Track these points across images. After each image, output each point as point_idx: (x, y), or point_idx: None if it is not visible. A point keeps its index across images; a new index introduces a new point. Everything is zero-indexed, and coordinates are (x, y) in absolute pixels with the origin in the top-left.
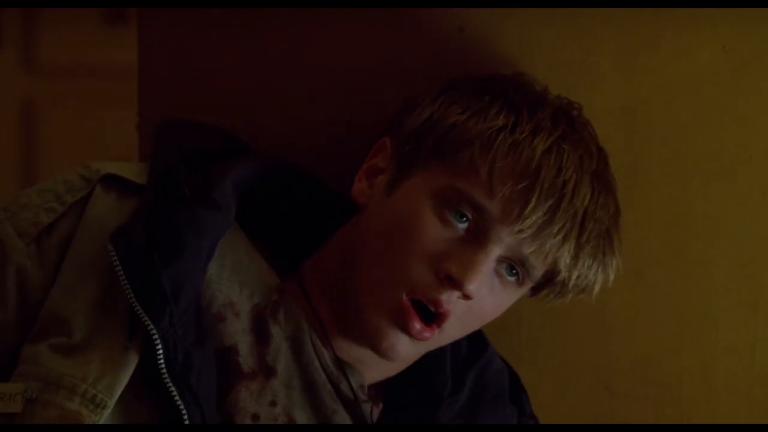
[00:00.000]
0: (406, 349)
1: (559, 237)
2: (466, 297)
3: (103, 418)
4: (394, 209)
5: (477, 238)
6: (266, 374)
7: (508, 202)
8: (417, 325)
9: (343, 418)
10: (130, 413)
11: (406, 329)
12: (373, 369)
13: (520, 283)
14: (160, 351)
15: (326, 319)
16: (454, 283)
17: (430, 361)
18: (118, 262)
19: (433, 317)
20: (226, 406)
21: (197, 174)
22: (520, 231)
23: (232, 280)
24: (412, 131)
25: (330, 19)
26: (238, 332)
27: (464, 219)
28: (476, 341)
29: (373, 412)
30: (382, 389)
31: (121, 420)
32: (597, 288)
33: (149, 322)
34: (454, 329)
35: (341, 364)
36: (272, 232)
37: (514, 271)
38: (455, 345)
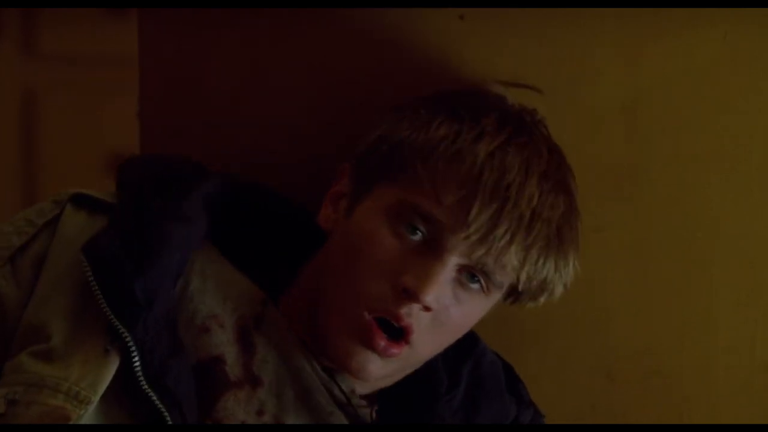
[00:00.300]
0: (376, 368)
1: (505, 239)
2: (426, 308)
3: (88, 413)
4: (352, 231)
5: (431, 248)
6: (252, 384)
7: (455, 210)
8: (382, 342)
9: (340, 419)
10: (113, 414)
11: (371, 347)
12: (361, 384)
13: (485, 290)
14: (136, 357)
15: (308, 338)
16: (411, 295)
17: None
18: (90, 273)
19: (400, 333)
20: (215, 414)
21: (167, 192)
22: (467, 237)
23: (215, 294)
24: (365, 152)
25: (330, 18)
26: (224, 342)
27: (417, 232)
28: (466, 337)
29: (372, 415)
30: (376, 393)
31: (105, 419)
32: (558, 289)
33: (124, 330)
34: (425, 344)
35: (330, 371)
36: (248, 255)
37: (476, 279)
38: None
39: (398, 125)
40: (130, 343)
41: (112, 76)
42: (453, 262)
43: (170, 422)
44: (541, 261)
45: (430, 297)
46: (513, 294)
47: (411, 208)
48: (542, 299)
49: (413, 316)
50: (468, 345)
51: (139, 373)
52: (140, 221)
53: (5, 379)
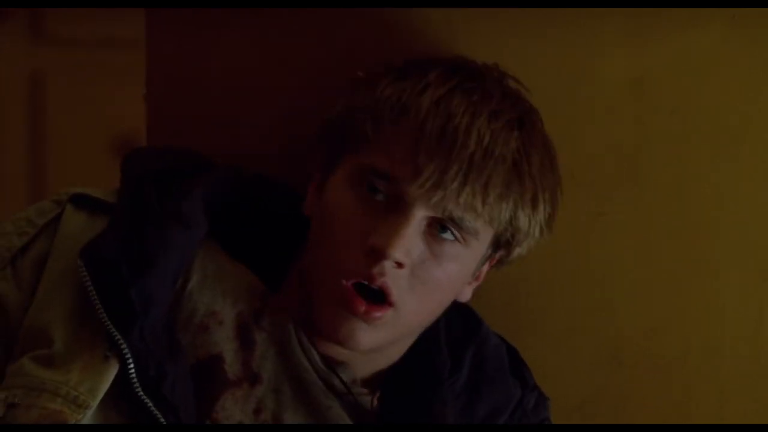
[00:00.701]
0: (365, 335)
1: (458, 181)
2: (399, 264)
3: (86, 418)
4: (323, 208)
5: (394, 205)
6: (251, 381)
7: (407, 163)
8: (362, 307)
9: (338, 413)
10: (111, 420)
11: (353, 312)
12: (361, 366)
13: (460, 240)
14: (131, 364)
15: (306, 328)
16: (378, 253)
17: (425, 344)
18: (87, 278)
19: (381, 296)
20: (214, 414)
21: (166, 190)
22: (422, 185)
23: (214, 290)
24: (325, 132)
25: (335, 15)
26: (223, 340)
27: (379, 192)
28: (469, 320)
29: (373, 402)
30: (379, 377)
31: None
32: (534, 230)
33: (119, 336)
34: (409, 304)
35: (330, 362)
36: (249, 250)
37: (447, 229)
38: (449, 326)
39: (351, 98)
40: (126, 351)
41: (120, 58)
42: (418, 215)
43: None
44: (502, 199)
45: (397, 252)
46: (498, 244)
47: (368, 170)
48: (525, 243)
49: (388, 275)
50: (471, 328)
51: (135, 381)
52: (139, 225)
53: (6, 381)
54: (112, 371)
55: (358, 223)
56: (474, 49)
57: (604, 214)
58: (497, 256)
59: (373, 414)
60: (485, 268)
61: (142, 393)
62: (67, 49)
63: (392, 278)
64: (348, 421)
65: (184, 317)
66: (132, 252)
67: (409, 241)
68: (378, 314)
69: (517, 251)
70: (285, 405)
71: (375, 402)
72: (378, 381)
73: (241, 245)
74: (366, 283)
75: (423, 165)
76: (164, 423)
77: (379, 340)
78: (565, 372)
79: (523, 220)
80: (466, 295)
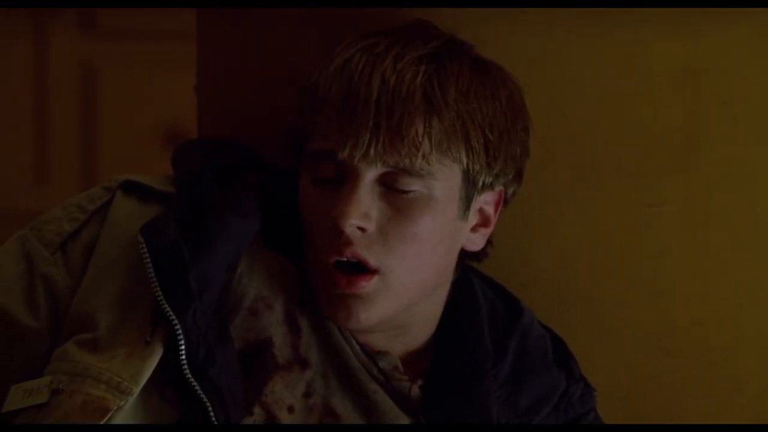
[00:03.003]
0: (363, 309)
1: (371, 131)
2: (361, 229)
3: (128, 404)
4: (301, 208)
5: (342, 178)
6: (301, 365)
7: (332, 134)
8: (343, 280)
9: (383, 397)
10: (153, 406)
11: (340, 288)
12: (395, 347)
13: (420, 186)
14: (183, 345)
15: None
16: (338, 224)
17: (467, 333)
18: (147, 255)
19: (361, 267)
20: (264, 398)
21: (225, 182)
22: (344, 149)
23: (261, 275)
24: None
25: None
26: (273, 324)
27: (329, 172)
28: (513, 310)
29: (412, 389)
30: (419, 360)
31: (144, 411)
32: (478, 157)
33: (173, 317)
34: (397, 265)
35: (369, 351)
36: (289, 241)
37: (403, 180)
38: (492, 315)
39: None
40: (179, 331)
41: (170, 49)
42: (364, 177)
43: (212, 412)
44: (426, 134)
45: (352, 217)
46: (473, 180)
47: (312, 156)
48: (484, 172)
49: (356, 243)
50: (515, 318)
51: (184, 363)
52: (199, 211)
53: (51, 366)
54: (156, 357)
55: (322, 208)
56: (521, 41)
57: (654, 205)
58: (485, 194)
59: (415, 401)
60: (489, 210)
61: (190, 376)
62: (118, 40)
63: (362, 246)
64: (393, 406)
65: (233, 301)
66: (192, 235)
67: (362, 204)
68: (363, 284)
69: (487, 182)
70: (333, 390)
71: (416, 390)
72: (418, 364)
73: (281, 239)
74: (344, 259)
75: (340, 129)
76: (210, 407)
77: (381, 311)
78: (612, 361)
79: (458, 150)
80: (476, 243)
